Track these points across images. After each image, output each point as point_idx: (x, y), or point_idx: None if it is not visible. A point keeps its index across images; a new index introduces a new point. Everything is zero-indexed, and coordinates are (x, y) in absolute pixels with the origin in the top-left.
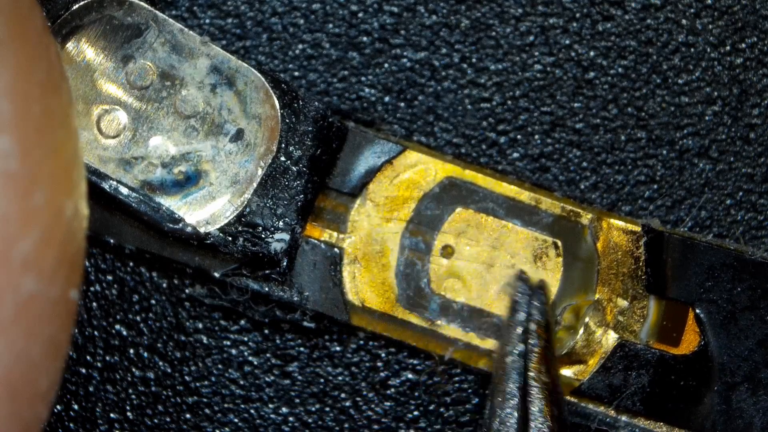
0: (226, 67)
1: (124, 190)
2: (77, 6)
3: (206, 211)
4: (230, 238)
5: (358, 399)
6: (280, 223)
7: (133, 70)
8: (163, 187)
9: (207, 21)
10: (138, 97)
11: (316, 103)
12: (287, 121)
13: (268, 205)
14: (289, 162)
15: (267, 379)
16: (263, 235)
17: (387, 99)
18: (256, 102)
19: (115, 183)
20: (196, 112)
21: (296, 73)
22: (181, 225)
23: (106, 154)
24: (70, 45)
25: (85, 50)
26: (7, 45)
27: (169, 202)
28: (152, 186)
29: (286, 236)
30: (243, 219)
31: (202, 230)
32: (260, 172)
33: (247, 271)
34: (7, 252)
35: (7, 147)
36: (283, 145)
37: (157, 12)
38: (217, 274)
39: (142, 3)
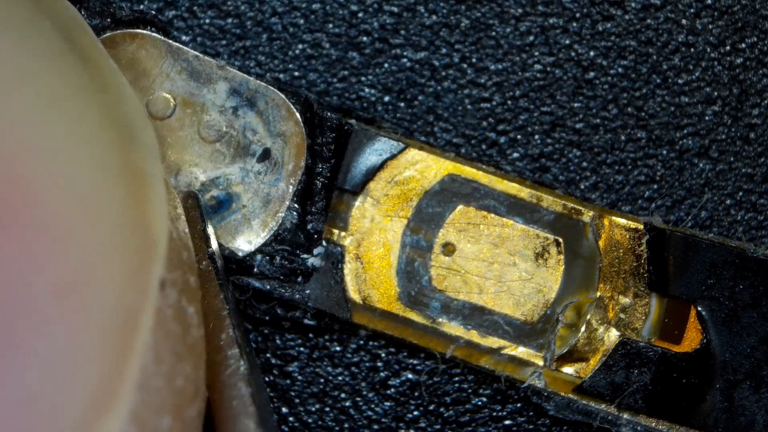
0: (245, 88)
1: None
2: None
3: (242, 233)
4: (268, 258)
5: (358, 399)
6: (315, 237)
7: (153, 101)
8: None
9: (207, 21)
10: (161, 128)
11: (332, 114)
12: (310, 135)
13: (301, 221)
14: (316, 176)
15: (267, 379)
16: (299, 252)
17: (387, 99)
18: (279, 120)
19: None
20: (220, 136)
21: (296, 73)
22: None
23: None
24: None
25: None
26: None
27: None
28: None
29: (323, 249)
30: (278, 237)
31: (240, 254)
32: (291, 189)
33: (282, 284)
34: None
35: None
36: (309, 160)
37: (170, 41)
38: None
39: (154, 34)
